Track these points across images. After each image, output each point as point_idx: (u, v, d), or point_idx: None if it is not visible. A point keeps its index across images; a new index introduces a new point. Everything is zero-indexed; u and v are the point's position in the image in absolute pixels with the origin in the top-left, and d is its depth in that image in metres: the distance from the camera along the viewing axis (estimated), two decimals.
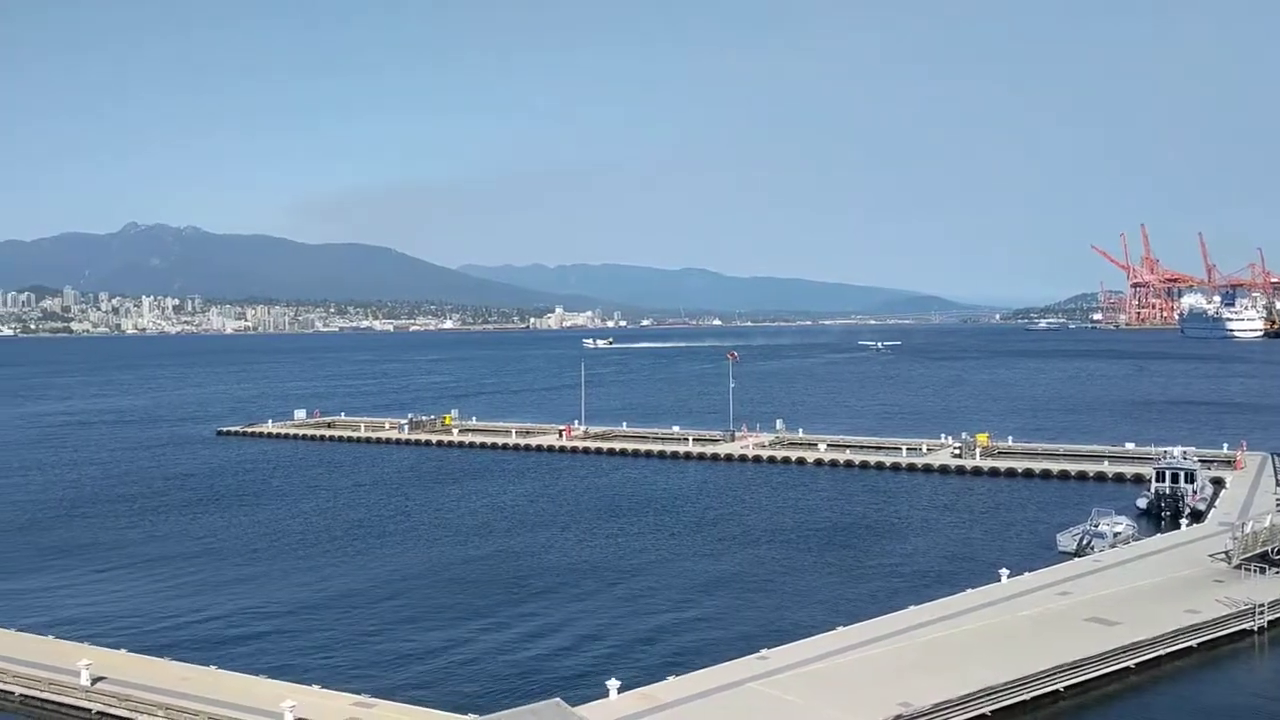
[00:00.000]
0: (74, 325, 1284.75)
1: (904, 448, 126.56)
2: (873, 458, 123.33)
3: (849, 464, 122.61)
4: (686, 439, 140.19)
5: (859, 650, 50.64)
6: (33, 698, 48.23)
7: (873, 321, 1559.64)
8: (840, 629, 54.21)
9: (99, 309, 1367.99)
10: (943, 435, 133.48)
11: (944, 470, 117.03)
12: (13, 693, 48.71)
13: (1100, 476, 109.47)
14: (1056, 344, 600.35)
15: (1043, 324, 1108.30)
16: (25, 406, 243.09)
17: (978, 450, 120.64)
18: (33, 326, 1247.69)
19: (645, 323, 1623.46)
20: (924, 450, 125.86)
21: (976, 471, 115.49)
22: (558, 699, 43.88)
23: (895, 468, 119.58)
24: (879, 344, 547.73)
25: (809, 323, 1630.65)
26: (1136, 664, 50.88)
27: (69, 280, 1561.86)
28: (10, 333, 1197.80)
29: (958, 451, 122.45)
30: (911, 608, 57.91)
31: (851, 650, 50.64)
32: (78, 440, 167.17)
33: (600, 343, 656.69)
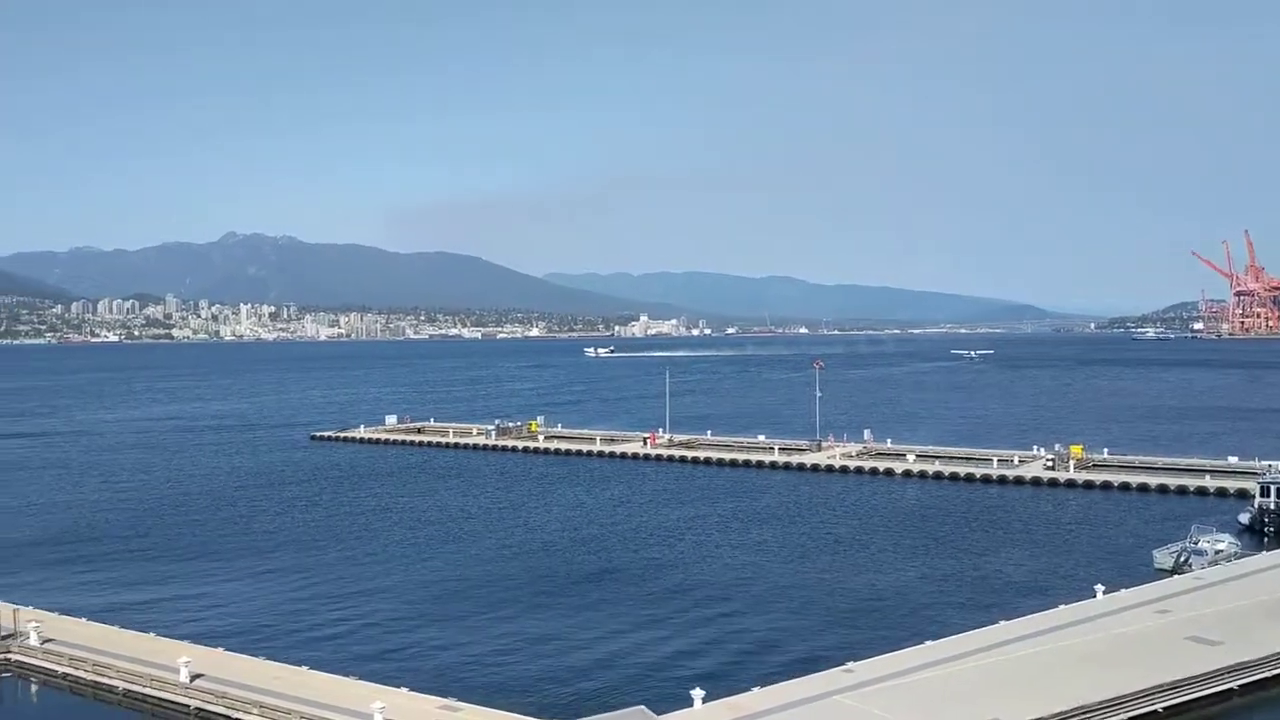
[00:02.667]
0: (175, 332, 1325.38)
1: (995, 459, 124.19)
2: (962, 469, 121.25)
3: (938, 475, 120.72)
4: (772, 448, 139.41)
5: (947, 665, 49.79)
6: (135, 692, 49.85)
7: (963, 330, 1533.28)
8: (928, 643, 53.37)
9: (199, 316, 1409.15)
10: (1035, 447, 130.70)
11: (1036, 483, 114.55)
12: (116, 687, 50.42)
13: (1201, 491, 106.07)
14: (1157, 354, 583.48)
15: (1150, 333, 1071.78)
16: (131, 410, 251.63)
17: (1071, 463, 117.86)
18: (136, 333, 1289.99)
19: (730, 330, 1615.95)
20: (1015, 462, 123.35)
21: (1070, 484, 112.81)
22: (642, 706, 43.96)
23: (986, 480, 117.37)
24: (972, 353, 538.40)
25: (897, 331, 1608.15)
26: (1240, 686, 49.14)
27: (171, 288, 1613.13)
28: (115, 339, 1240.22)
29: (1050, 464, 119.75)
30: (1002, 623, 56.75)
31: (940, 665, 49.81)
32: (179, 444, 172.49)
33: (601, 351, 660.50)
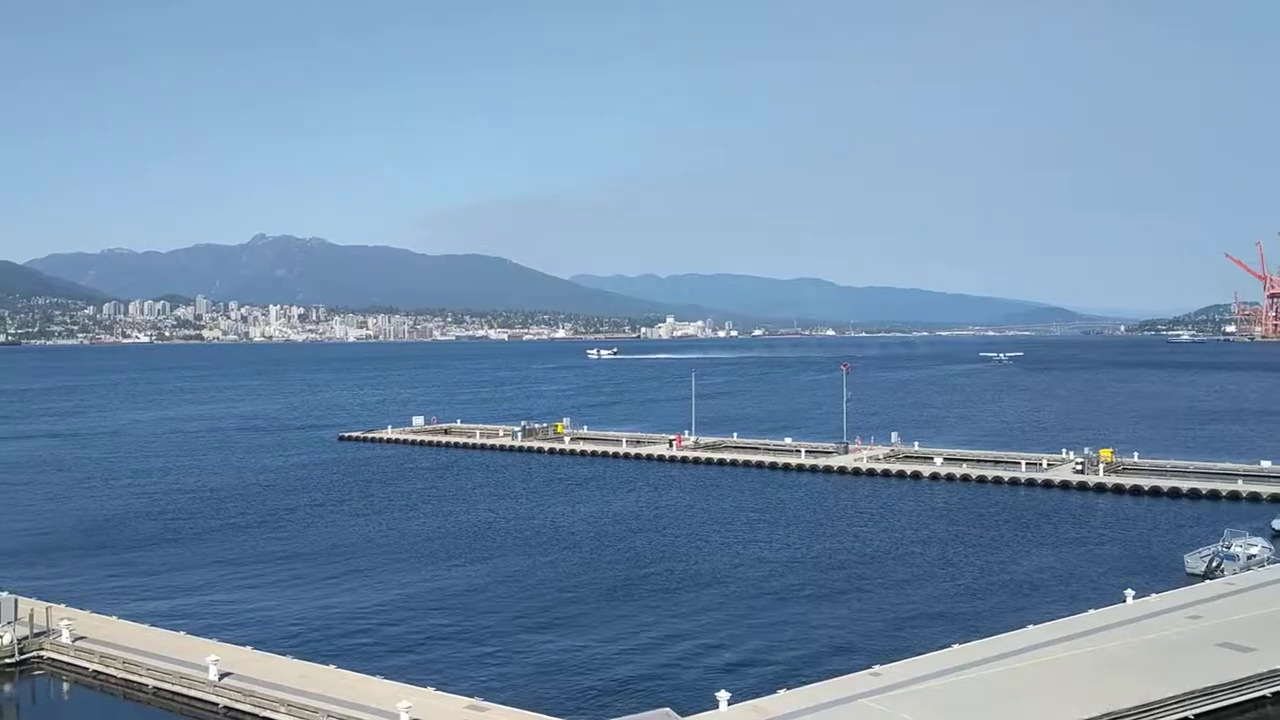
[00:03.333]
0: (205, 333, 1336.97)
1: (1023, 462, 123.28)
2: (991, 472, 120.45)
3: (966, 478, 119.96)
4: (799, 450, 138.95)
5: (975, 669, 49.45)
6: (164, 690, 50.28)
7: (991, 333, 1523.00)
8: (956, 647, 53.03)
9: (229, 317, 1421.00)
10: (1064, 450, 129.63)
11: (1065, 486, 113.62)
12: (146, 685, 50.87)
13: (1233, 496, 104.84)
14: (1189, 356, 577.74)
15: (1185, 335, 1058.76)
16: (162, 411, 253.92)
17: (1101, 466, 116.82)
18: (167, 334, 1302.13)
19: (757, 333, 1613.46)
20: (1044, 466, 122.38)
21: (1099, 488, 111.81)
22: (667, 708, 43.93)
23: (1014, 483, 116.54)
24: (1001, 355, 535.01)
25: (925, 333, 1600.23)
26: (1273, 693, 48.49)
27: (201, 289, 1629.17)
28: (146, 339, 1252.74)
29: (1080, 467, 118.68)
30: (1030, 627, 56.30)
31: (967, 669, 49.47)
32: (209, 444, 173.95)
33: (604, 353, 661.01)
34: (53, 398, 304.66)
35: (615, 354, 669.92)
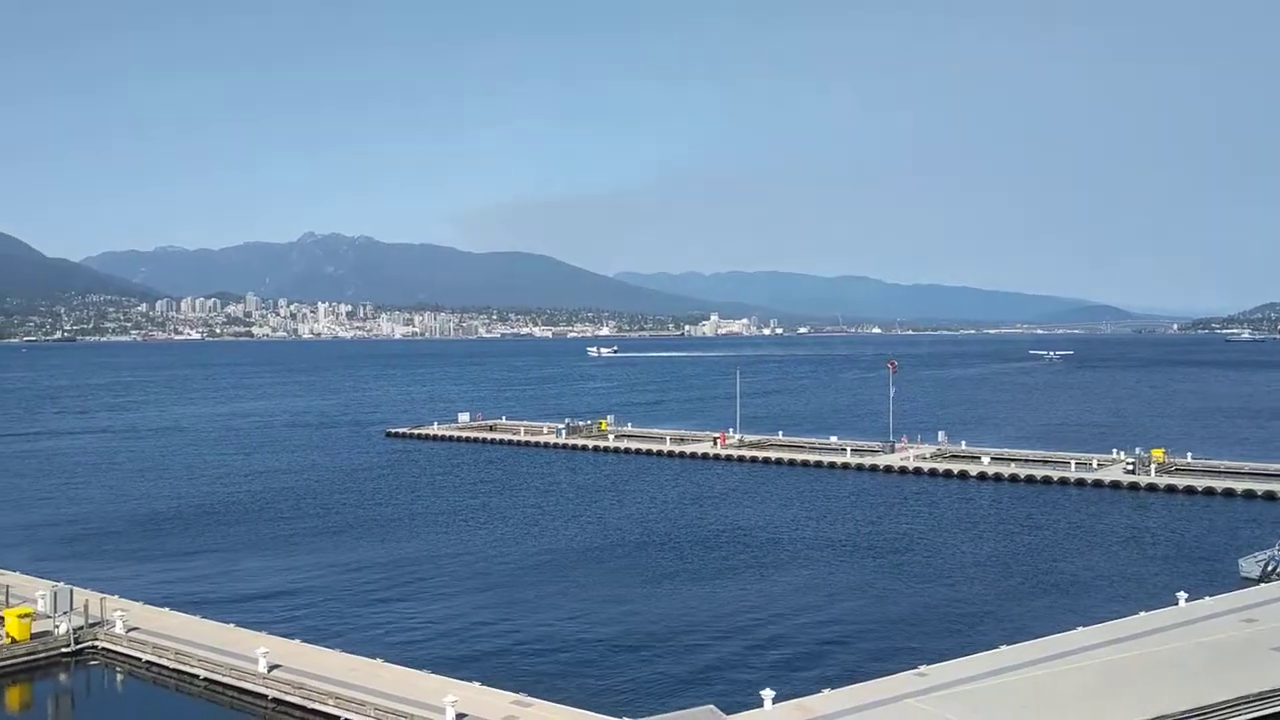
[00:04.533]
0: (255, 330, 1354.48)
1: (1073, 462, 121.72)
2: (1039, 472, 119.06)
3: (1014, 478, 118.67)
4: (844, 449, 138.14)
5: (1022, 671, 48.91)
6: (215, 681, 51.03)
7: (1040, 331, 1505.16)
8: (1003, 648, 52.48)
9: (278, 314, 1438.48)
10: (1115, 450, 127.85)
11: (1115, 487, 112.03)
12: (197, 675, 51.67)
13: None
14: (1245, 354, 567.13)
15: (1245, 334, 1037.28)
16: (213, 406, 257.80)
17: (1153, 466, 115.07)
18: (218, 331, 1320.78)
19: (802, 330, 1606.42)
20: (1094, 465, 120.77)
21: (1151, 489, 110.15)
22: (711, 706, 43.88)
23: (1063, 483, 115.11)
24: (1050, 353, 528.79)
25: (973, 331, 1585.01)
26: None
27: (251, 287, 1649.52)
28: (198, 336, 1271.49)
29: (1131, 467, 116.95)
30: (1079, 629, 55.59)
31: (1014, 671, 48.95)
32: (259, 439, 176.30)
33: (605, 351, 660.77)
34: (109, 393, 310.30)
35: (615, 352, 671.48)
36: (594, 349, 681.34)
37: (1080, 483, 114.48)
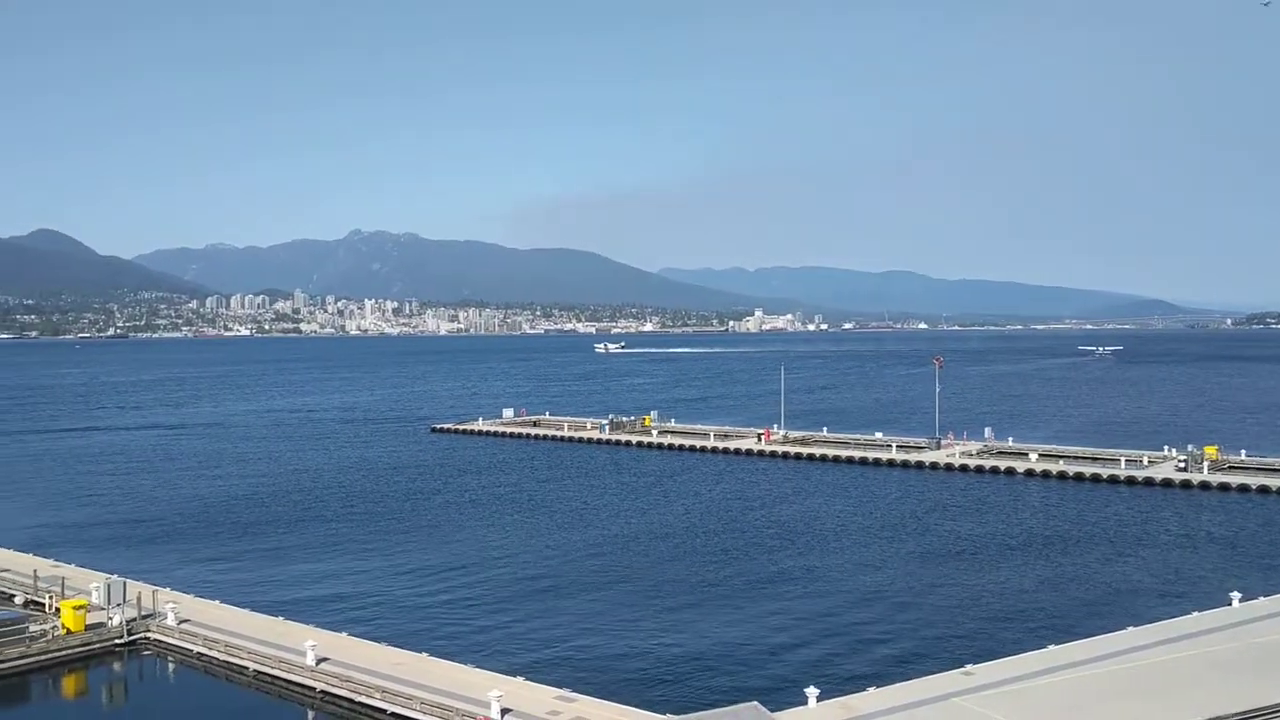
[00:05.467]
0: (303, 326, 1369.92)
1: (1123, 459, 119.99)
2: (1088, 469, 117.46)
3: (1062, 475, 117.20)
4: (889, 446, 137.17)
5: (1072, 670, 48.32)
6: (265, 673, 51.71)
7: (1089, 326, 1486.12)
8: (1052, 647, 51.87)
9: (325, 311, 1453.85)
10: (1166, 447, 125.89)
11: (1167, 484, 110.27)
12: (247, 668, 52.38)
13: None
14: None
15: None
16: (262, 402, 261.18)
17: (1205, 464, 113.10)
18: (267, 327, 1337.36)
19: (847, 326, 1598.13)
20: (1144, 463, 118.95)
21: (1204, 486, 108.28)
22: (756, 703, 43.77)
23: (1113, 480, 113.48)
24: (1100, 349, 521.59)
25: (1020, 327, 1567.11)
26: None
27: (299, 284, 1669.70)
28: (247, 333, 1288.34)
29: (1183, 465, 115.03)
30: (1130, 628, 54.82)
31: (1063, 670, 48.37)
32: (308, 434, 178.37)
33: (611, 347, 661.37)
34: (161, 389, 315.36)
35: (622, 348, 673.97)
36: (601, 345, 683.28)
37: (1130, 480, 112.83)
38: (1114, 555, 79.37)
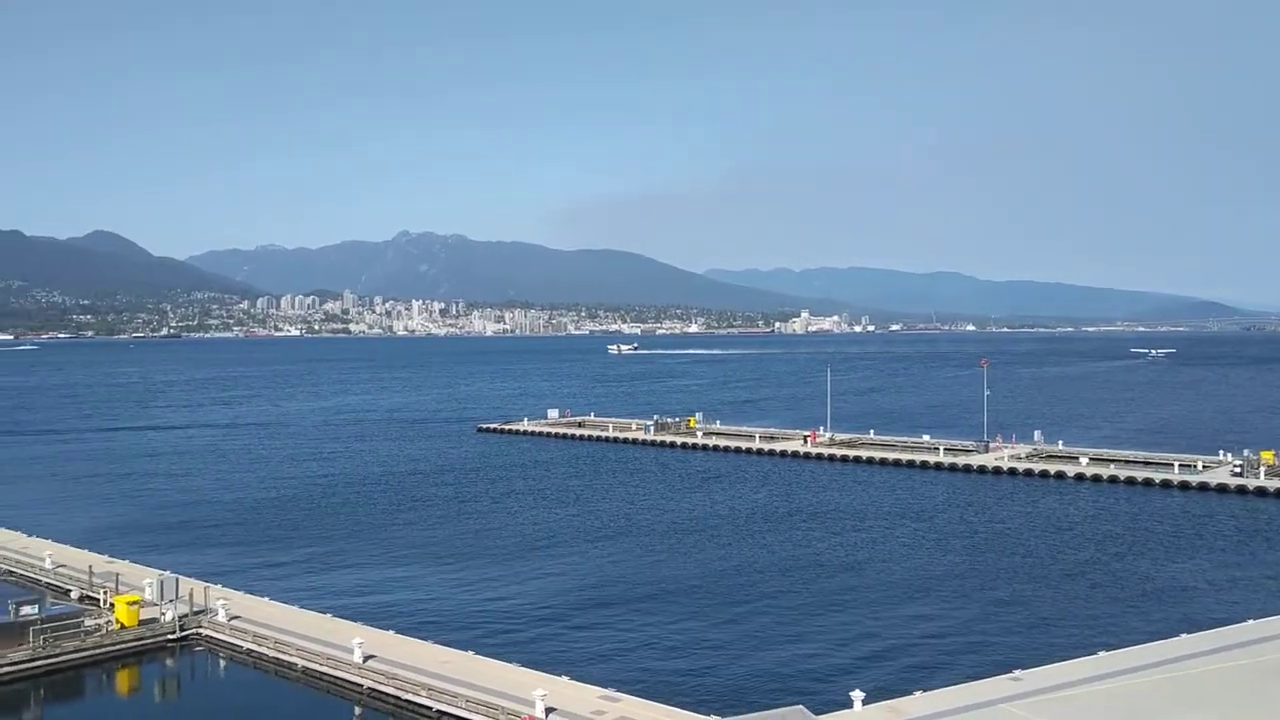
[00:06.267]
0: (352, 326, 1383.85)
1: (1176, 464, 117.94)
2: (1141, 473, 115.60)
3: (1113, 480, 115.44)
4: (937, 448, 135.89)
5: (1122, 678, 47.59)
6: (313, 670, 52.28)
7: (1141, 328, 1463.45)
8: (1102, 654, 51.14)
9: (374, 311, 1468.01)
10: (1222, 452, 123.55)
11: (1222, 490, 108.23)
12: (296, 664, 52.99)
13: None
14: None
15: None
16: (314, 401, 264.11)
17: (1262, 469, 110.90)
18: (316, 327, 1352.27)
19: (894, 327, 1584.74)
20: (1199, 468, 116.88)
21: (1260, 492, 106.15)
22: (801, 706, 43.57)
23: (1166, 485, 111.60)
24: (1152, 351, 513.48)
25: (1071, 329, 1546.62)
26: None
27: (348, 285, 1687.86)
28: (297, 333, 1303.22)
29: (1239, 470, 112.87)
30: (1184, 636, 53.89)
31: (1114, 677, 47.66)
32: (357, 433, 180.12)
33: (624, 349, 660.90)
34: (214, 388, 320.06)
35: (635, 349, 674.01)
36: (614, 347, 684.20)
37: (1184, 485, 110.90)
38: (1167, 561, 78.07)
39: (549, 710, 43.78)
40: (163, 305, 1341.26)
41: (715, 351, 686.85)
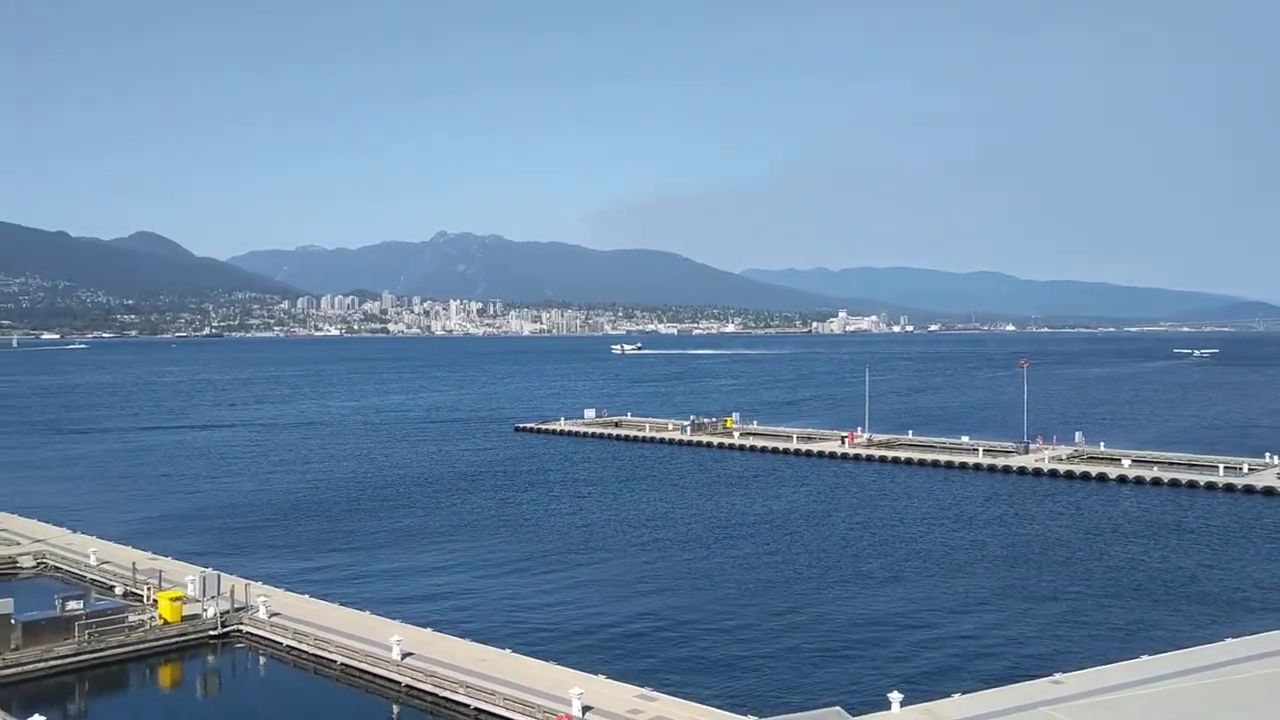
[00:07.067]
0: (390, 326, 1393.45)
1: (1221, 466, 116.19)
2: (1185, 476, 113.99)
3: (1157, 482, 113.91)
4: (976, 450, 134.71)
5: (1166, 682, 46.96)
6: (352, 667, 52.69)
7: (1185, 329, 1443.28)
8: (1145, 658, 50.49)
9: (412, 311, 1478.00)
10: (1269, 454, 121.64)
11: (1269, 492, 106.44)
12: (335, 661, 53.45)
13: None
14: None
15: None
16: (354, 400, 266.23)
17: None
18: (355, 327, 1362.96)
19: (933, 328, 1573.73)
20: (1245, 470, 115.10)
21: None
22: (838, 707, 43.38)
23: (1210, 488, 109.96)
24: (1196, 352, 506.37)
25: (1112, 329, 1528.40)
26: None
27: (387, 285, 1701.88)
28: (336, 333, 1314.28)
29: None
30: (1229, 640, 53.09)
31: (1157, 682, 47.03)
32: (396, 432, 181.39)
33: (628, 348, 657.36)
34: (256, 387, 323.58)
35: (639, 349, 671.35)
36: (618, 346, 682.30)
37: (1229, 488, 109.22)
38: (1212, 564, 76.94)
39: (585, 709, 43.86)
40: (205, 305, 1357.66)
41: (723, 352, 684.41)
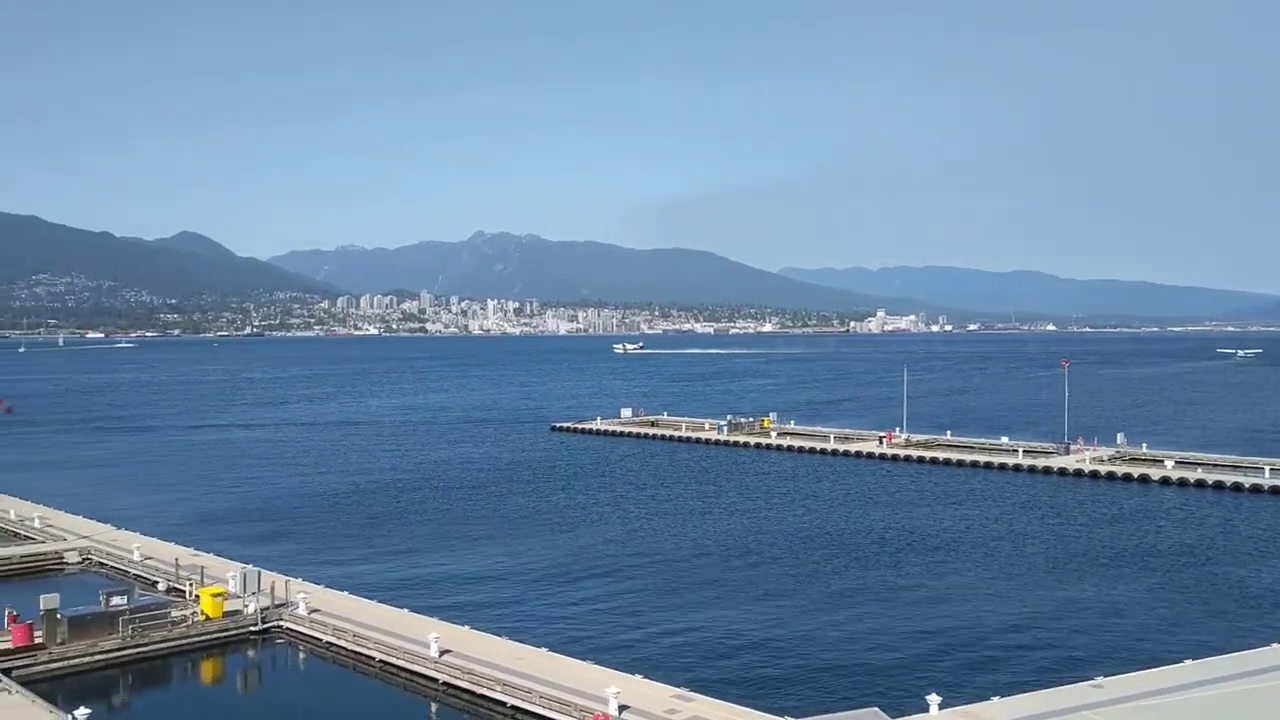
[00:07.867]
0: (428, 326, 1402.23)
1: (1267, 468, 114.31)
2: (1229, 478, 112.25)
3: (1200, 484, 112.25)
4: (1016, 450, 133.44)
5: (1210, 687, 46.26)
6: (390, 664, 53.07)
7: (1230, 328, 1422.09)
8: (1189, 662, 49.77)
9: (450, 311, 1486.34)
10: None
11: None
12: (374, 658, 53.86)
13: None
14: None
15: None
16: (392, 399, 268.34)
17: None
18: (394, 326, 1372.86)
19: (972, 327, 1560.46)
20: None
21: None
22: (876, 709, 43.13)
23: (1256, 490, 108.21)
24: (1239, 352, 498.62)
25: (1155, 329, 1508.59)
26: None
27: (425, 284, 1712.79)
28: (375, 332, 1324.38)
29: None
30: (1275, 645, 52.21)
31: (1201, 686, 46.34)
32: (435, 431, 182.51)
33: (630, 348, 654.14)
34: (297, 386, 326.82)
35: (640, 348, 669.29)
36: (620, 346, 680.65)
37: (1276, 490, 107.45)
38: (1259, 567, 75.73)
39: (622, 708, 43.89)
40: (246, 304, 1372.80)
41: (732, 351, 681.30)
